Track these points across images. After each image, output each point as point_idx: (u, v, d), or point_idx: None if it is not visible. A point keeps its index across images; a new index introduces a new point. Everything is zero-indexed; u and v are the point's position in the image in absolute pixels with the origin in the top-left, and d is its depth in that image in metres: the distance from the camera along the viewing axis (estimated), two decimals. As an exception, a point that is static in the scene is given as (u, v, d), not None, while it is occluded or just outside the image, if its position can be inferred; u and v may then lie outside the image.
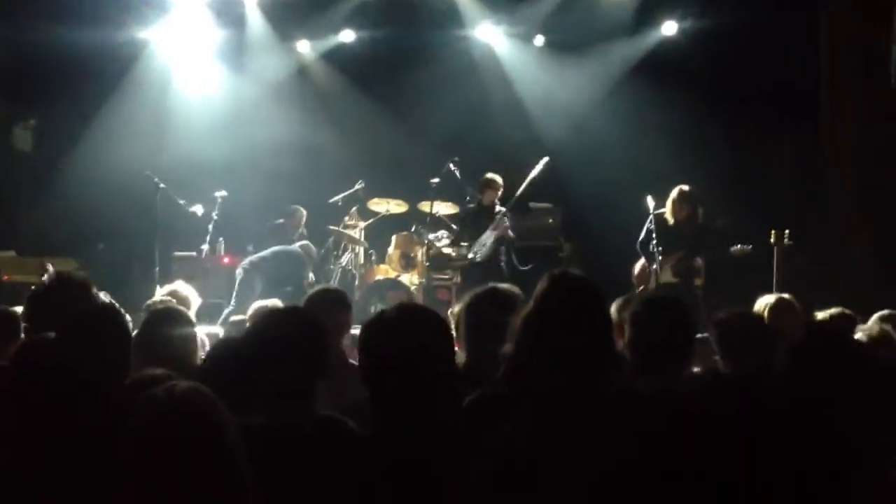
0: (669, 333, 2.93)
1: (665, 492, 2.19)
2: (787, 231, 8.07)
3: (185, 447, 1.78)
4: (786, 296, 4.91)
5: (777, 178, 10.31)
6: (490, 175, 9.35)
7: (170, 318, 3.88)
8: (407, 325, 2.22)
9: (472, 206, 9.46)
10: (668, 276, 8.51)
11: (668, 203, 8.60)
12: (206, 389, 1.94)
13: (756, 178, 10.36)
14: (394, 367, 2.19)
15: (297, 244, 9.25)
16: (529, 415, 2.26)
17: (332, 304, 4.28)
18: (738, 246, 8.55)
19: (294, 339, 2.54)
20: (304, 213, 9.67)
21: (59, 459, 2.67)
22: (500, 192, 9.34)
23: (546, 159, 9.26)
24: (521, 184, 9.27)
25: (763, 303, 4.80)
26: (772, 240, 8.08)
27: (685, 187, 8.63)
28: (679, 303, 3.06)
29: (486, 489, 2.13)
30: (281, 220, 9.52)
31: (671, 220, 8.60)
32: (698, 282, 8.74)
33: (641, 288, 8.36)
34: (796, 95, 10.33)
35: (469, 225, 9.36)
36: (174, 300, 5.32)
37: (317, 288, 4.82)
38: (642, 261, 8.69)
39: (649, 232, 8.62)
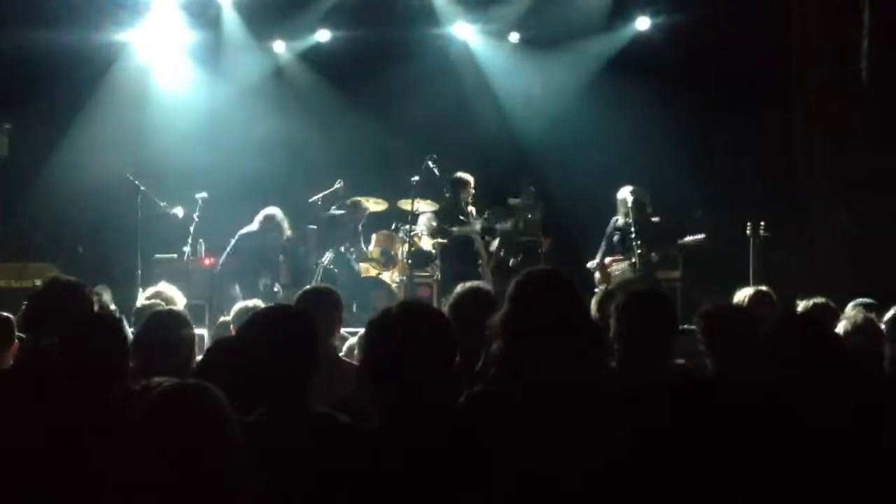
0: (654, 325, 3.02)
1: (655, 481, 2.27)
2: (762, 223, 8.21)
3: (185, 440, 1.83)
4: (763, 288, 5.02)
5: (750, 170, 10.46)
6: (463, 174, 9.46)
7: (169, 320, 3.93)
8: (412, 322, 2.28)
9: (447, 203, 9.56)
10: (627, 273, 8.66)
11: (625, 203, 8.76)
12: (211, 386, 2.00)
13: (730, 170, 10.51)
14: (399, 365, 2.25)
15: None
16: (522, 410, 2.34)
17: (324, 303, 4.35)
18: (689, 237, 8.69)
19: (286, 335, 2.61)
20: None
21: (60, 459, 2.73)
22: (472, 190, 9.48)
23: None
24: (496, 180, 9.40)
25: (742, 295, 4.90)
26: (748, 231, 8.23)
27: (633, 187, 8.81)
28: (662, 295, 3.15)
29: (485, 486, 2.20)
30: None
31: (625, 220, 8.77)
32: (669, 274, 8.89)
33: (605, 285, 8.46)
34: (769, 88, 10.48)
35: (447, 222, 9.47)
36: (161, 301, 5.37)
37: (308, 287, 4.88)
38: (598, 259, 8.88)
39: (621, 229, 8.80)
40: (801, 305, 4.59)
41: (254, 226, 9.46)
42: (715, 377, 2.55)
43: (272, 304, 4.49)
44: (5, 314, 4.45)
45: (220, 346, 3.62)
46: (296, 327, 2.67)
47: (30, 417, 2.91)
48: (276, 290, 9.41)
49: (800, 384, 2.40)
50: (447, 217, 9.49)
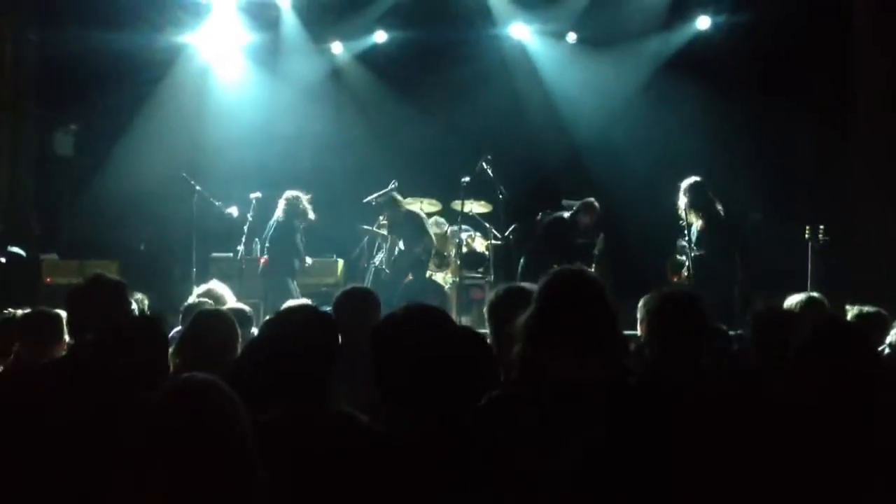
0: (683, 326, 2.94)
1: (678, 484, 2.21)
2: (821, 227, 8.00)
3: (192, 432, 1.83)
4: (815, 294, 4.88)
5: (809, 174, 10.20)
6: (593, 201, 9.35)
7: (214, 320, 3.97)
8: (412, 326, 2.25)
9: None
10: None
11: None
12: (221, 381, 1.99)
13: (787, 173, 10.26)
14: (401, 368, 2.22)
15: None
16: (540, 414, 2.29)
17: (360, 303, 4.33)
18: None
19: (306, 335, 2.60)
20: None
21: (90, 449, 2.77)
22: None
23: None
24: (550, 181, 9.30)
25: (793, 301, 4.78)
26: (806, 235, 8.02)
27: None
28: (693, 297, 3.06)
29: (493, 488, 2.16)
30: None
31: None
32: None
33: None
34: (832, 88, 10.22)
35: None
36: (209, 299, 5.43)
37: (345, 287, 4.86)
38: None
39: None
40: (851, 312, 4.44)
41: (278, 213, 9.36)
42: (746, 381, 2.46)
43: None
44: (57, 311, 4.54)
45: (251, 346, 3.65)
46: (316, 326, 2.66)
47: (71, 407, 2.98)
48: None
49: (830, 392, 2.30)
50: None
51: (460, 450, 2.25)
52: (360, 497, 2.33)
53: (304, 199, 9.26)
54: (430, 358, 2.20)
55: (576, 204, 9.79)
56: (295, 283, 9.18)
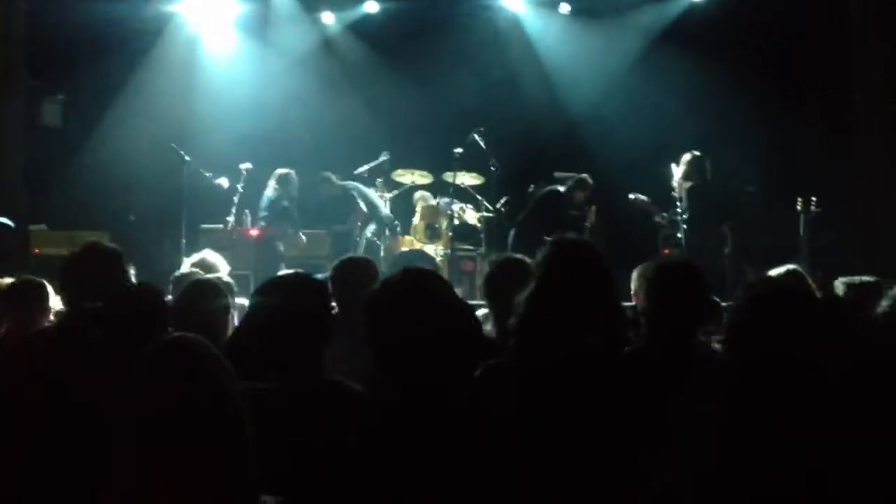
0: (683, 298, 2.91)
1: (670, 458, 2.19)
2: (813, 198, 7.99)
3: (178, 391, 1.80)
4: (792, 266, 4.86)
5: (806, 145, 10.18)
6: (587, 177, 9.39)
7: (206, 289, 3.93)
8: (407, 291, 2.22)
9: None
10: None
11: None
12: (205, 340, 1.95)
13: (784, 145, 10.23)
14: (395, 334, 2.19)
15: None
16: (536, 383, 2.27)
17: (359, 272, 4.32)
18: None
19: (299, 303, 2.57)
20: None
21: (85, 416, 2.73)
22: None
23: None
24: (543, 153, 9.27)
25: (773, 274, 4.75)
26: (798, 207, 8.02)
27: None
28: (692, 266, 3.04)
29: (489, 457, 2.14)
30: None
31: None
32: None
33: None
34: (827, 63, 10.16)
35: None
36: (201, 269, 5.38)
37: (344, 257, 4.85)
38: None
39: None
40: (839, 284, 4.41)
41: (269, 191, 9.41)
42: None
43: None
44: (41, 280, 4.50)
45: (247, 316, 3.62)
46: (309, 294, 2.63)
47: (65, 377, 2.94)
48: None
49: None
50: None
51: (456, 418, 2.23)
52: (352, 466, 2.31)
53: (293, 175, 9.36)
54: (425, 323, 2.17)
55: (567, 178, 9.77)
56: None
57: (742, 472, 2.15)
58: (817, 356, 2.16)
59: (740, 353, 2.34)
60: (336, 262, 4.61)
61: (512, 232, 9.38)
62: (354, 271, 4.34)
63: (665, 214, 8.86)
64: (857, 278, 4.38)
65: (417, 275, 2.26)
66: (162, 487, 1.81)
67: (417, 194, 10.21)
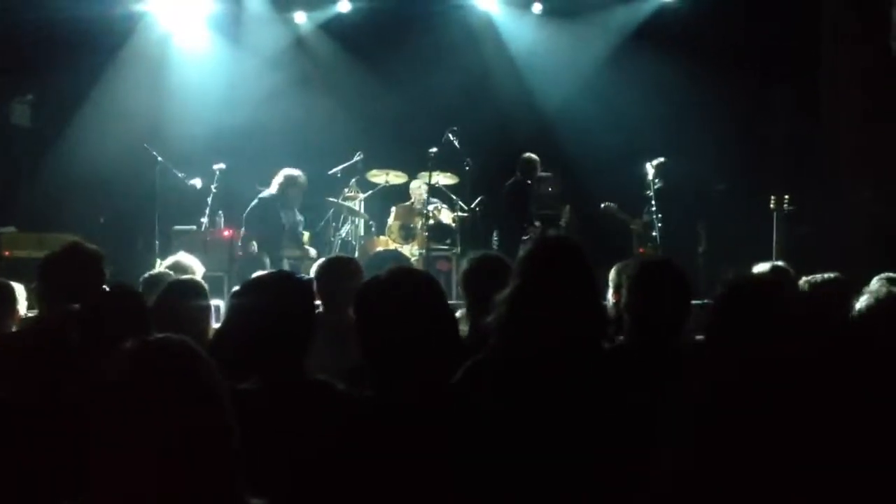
0: (666, 296, 2.92)
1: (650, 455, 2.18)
2: (787, 196, 8.06)
3: (167, 393, 1.77)
4: (780, 263, 4.91)
5: (776, 144, 10.27)
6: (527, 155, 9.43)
7: (186, 289, 3.91)
8: (398, 288, 2.22)
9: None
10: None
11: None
12: (187, 339, 1.92)
13: (755, 142, 10.32)
14: (386, 330, 2.19)
15: None
16: (520, 380, 2.27)
17: (343, 271, 4.33)
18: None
19: (283, 301, 2.55)
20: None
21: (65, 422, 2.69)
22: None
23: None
24: (516, 153, 9.33)
25: (758, 270, 4.80)
26: (771, 205, 8.08)
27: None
28: (675, 265, 3.05)
29: (472, 455, 2.13)
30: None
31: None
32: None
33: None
34: (796, 61, 10.26)
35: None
36: (176, 272, 5.33)
37: (329, 256, 4.87)
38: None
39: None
40: (807, 279, 4.41)
41: (273, 189, 9.31)
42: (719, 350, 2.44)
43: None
44: (9, 283, 4.45)
45: (229, 315, 3.60)
46: (293, 293, 2.61)
47: (44, 380, 2.90)
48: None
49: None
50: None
51: (440, 416, 2.22)
52: (337, 466, 2.29)
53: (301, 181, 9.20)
54: (412, 320, 2.16)
55: (539, 175, 9.82)
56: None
57: (724, 470, 2.15)
58: (799, 351, 2.17)
59: (720, 348, 2.35)
60: (321, 260, 4.62)
61: (496, 234, 9.41)
62: (339, 270, 4.36)
63: (639, 220, 8.97)
64: (819, 276, 4.39)
65: (406, 272, 2.25)
66: (146, 490, 1.79)
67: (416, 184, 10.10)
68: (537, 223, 9.24)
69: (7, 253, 9.44)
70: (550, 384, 2.27)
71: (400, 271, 2.27)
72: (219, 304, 6.66)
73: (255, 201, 9.07)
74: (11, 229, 9.90)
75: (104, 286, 3.67)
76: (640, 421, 2.19)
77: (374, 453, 2.19)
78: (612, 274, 4.63)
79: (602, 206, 9.20)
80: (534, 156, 9.46)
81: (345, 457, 2.22)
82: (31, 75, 10.89)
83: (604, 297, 3.87)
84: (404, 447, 2.15)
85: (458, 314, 3.94)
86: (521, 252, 2.61)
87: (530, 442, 2.22)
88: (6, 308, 4.33)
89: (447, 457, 2.14)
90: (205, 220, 9.23)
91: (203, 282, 4.67)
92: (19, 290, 4.52)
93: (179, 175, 9.11)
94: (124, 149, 9.82)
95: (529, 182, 9.45)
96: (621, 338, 2.93)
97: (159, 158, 8.97)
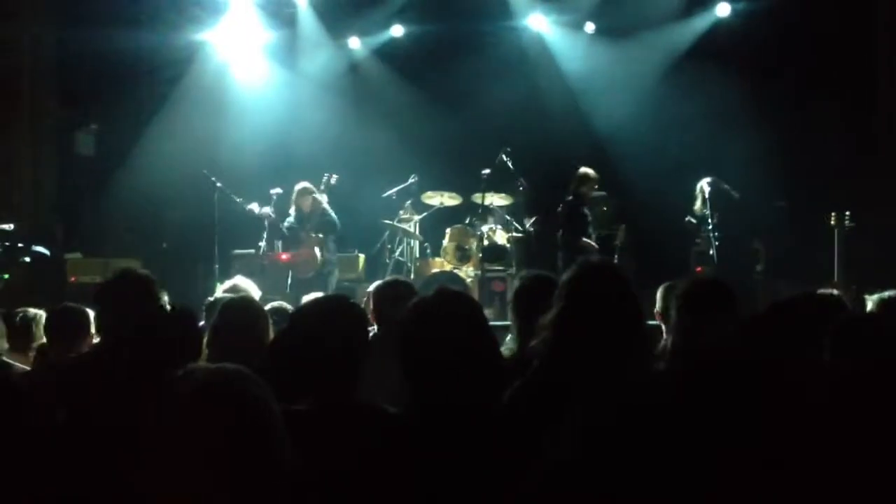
0: (713, 315, 2.90)
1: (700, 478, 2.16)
2: (847, 213, 7.92)
3: (213, 420, 1.81)
4: (833, 291, 4.80)
5: (836, 159, 10.08)
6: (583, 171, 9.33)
7: (243, 308, 3.96)
8: (436, 310, 2.23)
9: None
10: None
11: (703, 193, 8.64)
12: (247, 371, 1.96)
13: (814, 159, 10.15)
14: (422, 352, 2.20)
15: None
16: (564, 405, 2.26)
17: (402, 294, 4.35)
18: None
19: (337, 326, 2.59)
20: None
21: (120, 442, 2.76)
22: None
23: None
24: (573, 171, 9.27)
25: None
26: (832, 222, 7.94)
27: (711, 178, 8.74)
28: (724, 284, 3.02)
29: (517, 478, 2.13)
30: None
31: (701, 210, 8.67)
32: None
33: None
34: (854, 74, 10.10)
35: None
36: (234, 294, 5.43)
37: (385, 279, 4.90)
38: None
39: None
40: (871, 299, 4.34)
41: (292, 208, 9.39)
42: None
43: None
44: (85, 308, 4.57)
45: (281, 337, 3.64)
46: (349, 317, 2.65)
47: (102, 403, 2.98)
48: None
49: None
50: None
51: (484, 441, 2.23)
52: (382, 488, 2.31)
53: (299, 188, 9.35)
54: (454, 344, 2.18)
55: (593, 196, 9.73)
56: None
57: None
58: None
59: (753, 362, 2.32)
60: (376, 283, 4.66)
61: (560, 254, 9.29)
62: (393, 292, 4.37)
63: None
64: (886, 293, 4.31)
65: (448, 296, 2.27)
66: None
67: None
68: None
69: (73, 279, 9.71)
70: (596, 412, 2.26)
71: (440, 293, 2.29)
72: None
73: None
74: (77, 255, 10.19)
75: (157, 309, 3.75)
76: (687, 447, 2.18)
77: (412, 476, 2.20)
78: (658, 296, 4.60)
79: (686, 220, 9.05)
80: (590, 171, 9.32)
81: (386, 479, 2.24)
82: (96, 105, 11.22)
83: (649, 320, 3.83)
84: (441, 470, 2.16)
85: (508, 336, 3.97)
86: (564, 279, 2.61)
87: (574, 470, 2.22)
88: (79, 333, 4.45)
89: (490, 483, 2.15)
90: (262, 244, 9.37)
91: (256, 301, 4.75)
92: (92, 315, 4.64)
93: (237, 200, 9.28)
94: (184, 175, 10.05)
95: (584, 197, 9.28)
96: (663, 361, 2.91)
97: (218, 184, 9.15)
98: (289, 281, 9.13)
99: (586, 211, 9.16)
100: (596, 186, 9.30)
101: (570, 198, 9.19)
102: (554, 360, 2.43)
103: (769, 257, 9.25)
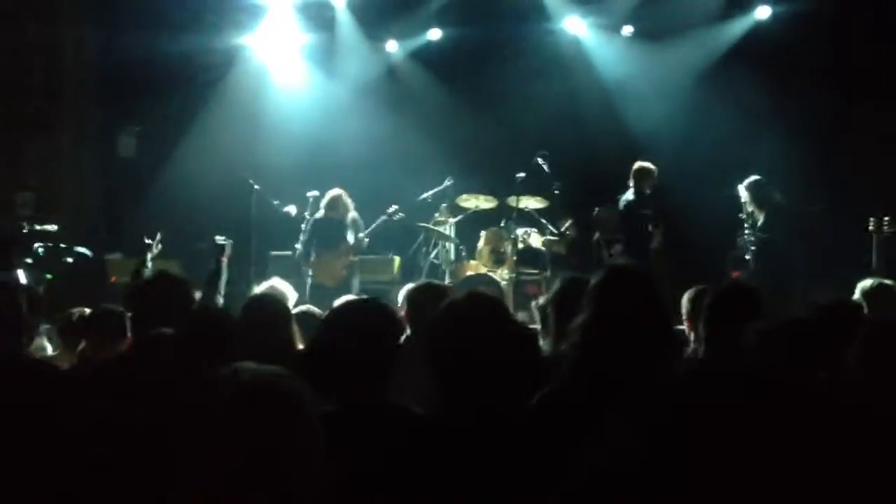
0: (741, 320, 2.89)
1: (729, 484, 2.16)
2: (886, 217, 7.82)
3: (246, 423, 1.84)
4: (887, 281, 4.78)
5: (875, 162, 9.95)
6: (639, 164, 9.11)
7: (269, 307, 4.01)
8: (470, 314, 2.25)
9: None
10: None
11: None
12: (288, 372, 1.99)
13: (853, 163, 10.02)
14: (454, 356, 2.23)
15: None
16: (591, 411, 2.28)
17: (436, 299, 4.36)
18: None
19: (371, 329, 2.62)
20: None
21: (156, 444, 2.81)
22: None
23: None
24: (605, 176, 9.24)
25: (861, 288, 4.68)
26: (871, 227, 7.86)
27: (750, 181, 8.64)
28: (753, 289, 3.01)
29: (552, 485, 2.15)
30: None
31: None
32: None
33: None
34: (887, 76, 9.95)
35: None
36: (270, 296, 5.49)
37: (421, 282, 4.91)
38: None
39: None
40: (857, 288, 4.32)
41: (321, 212, 9.44)
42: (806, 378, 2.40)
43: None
44: (119, 308, 4.65)
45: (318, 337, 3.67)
46: (382, 319, 2.68)
47: (136, 403, 3.03)
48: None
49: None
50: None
51: (512, 445, 2.25)
52: (409, 489, 2.34)
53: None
54: (485, 349, 2.20)
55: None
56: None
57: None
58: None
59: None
60: (410, 285, 4.67)
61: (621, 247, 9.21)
62: (427, 295, 4.38)
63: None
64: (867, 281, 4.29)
65: (476, 299, 2.29)
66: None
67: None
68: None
69: (114, 279, 9.85)
70: (622, 418, 2.27)
71: (469, 296, 2.31)
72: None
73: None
74: (118, 256, 10.33)
75: (191, 310, 3.80)
76: (719, 451, 2.18)
77: (440, 477, 2.22)
78: (684, 300, 4.58)
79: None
80: (648, 164, 9.05)
81: (413, 480, 2.27)
82: (137, 108, 11.39)
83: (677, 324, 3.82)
84: (468, 473, 2.18)
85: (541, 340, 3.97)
86: (592, 284, 2.62)
87: (604, 475, 2.23)
88: (115, 332, 4.52)
89: (517, 486, 2.17)
90: (299, 246, 9.44)
91: (283, 299, 4.80)
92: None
93: (274, 202, 9.37)
94: (223, 177, 10.16)
95: (643, 196, 9.08)
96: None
97: (256, 186, 9.25)
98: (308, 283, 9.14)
99: (648, 212, 9.02)
100: (654, 178, 9.06)
101: (632, 198, 8.99)
102: (582, 364, 2.45)
103: (807, 261, 9.15)
